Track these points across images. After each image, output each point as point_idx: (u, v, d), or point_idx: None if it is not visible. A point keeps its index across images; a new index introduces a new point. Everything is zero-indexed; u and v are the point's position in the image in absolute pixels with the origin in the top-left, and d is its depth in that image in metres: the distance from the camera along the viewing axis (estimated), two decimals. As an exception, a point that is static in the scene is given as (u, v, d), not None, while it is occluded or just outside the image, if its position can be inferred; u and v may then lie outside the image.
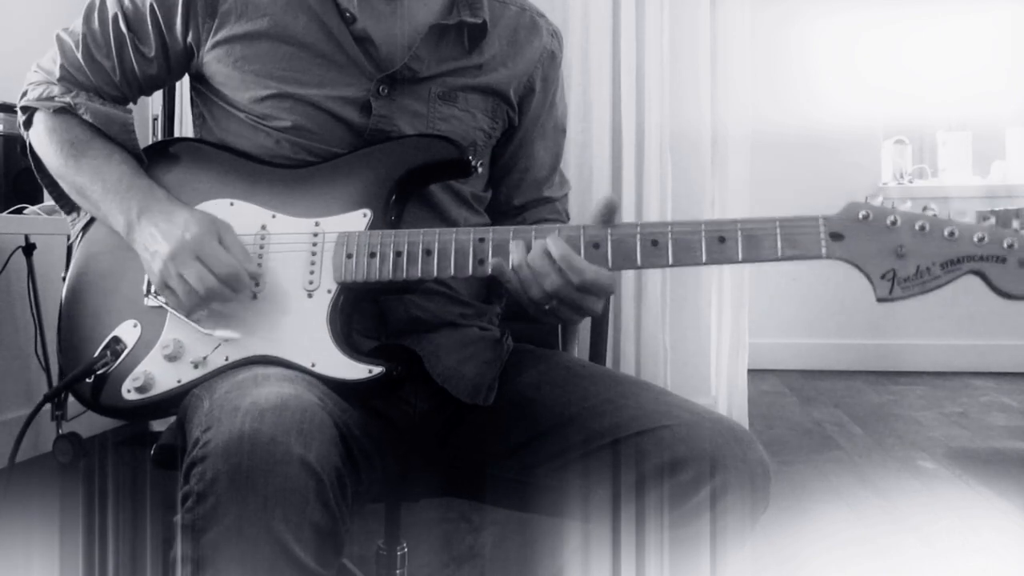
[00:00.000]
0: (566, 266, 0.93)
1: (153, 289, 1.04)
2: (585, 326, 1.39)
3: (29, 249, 2.56)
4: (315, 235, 1.02)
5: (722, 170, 3.05)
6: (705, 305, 3.06)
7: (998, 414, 3.49)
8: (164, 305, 1.03)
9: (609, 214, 0.96)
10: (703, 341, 3.07)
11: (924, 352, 4.50)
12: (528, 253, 0.95)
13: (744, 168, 3.07)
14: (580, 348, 1.41)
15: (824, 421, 3.35)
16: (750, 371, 3.20)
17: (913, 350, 4.50)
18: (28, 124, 1.15)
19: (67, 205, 1.16)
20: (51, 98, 1.11)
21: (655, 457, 0.93)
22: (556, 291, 0.94)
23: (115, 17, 1.12)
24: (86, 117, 1.10)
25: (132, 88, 1.16)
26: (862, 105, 4.49)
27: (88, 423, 2.76)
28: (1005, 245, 0.88)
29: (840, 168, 4.35)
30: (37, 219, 2.53)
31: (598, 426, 0.99)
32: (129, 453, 2.78)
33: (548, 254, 0.94)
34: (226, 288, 0.98)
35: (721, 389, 3.10)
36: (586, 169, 2.93)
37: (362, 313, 1.06)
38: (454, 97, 1.12)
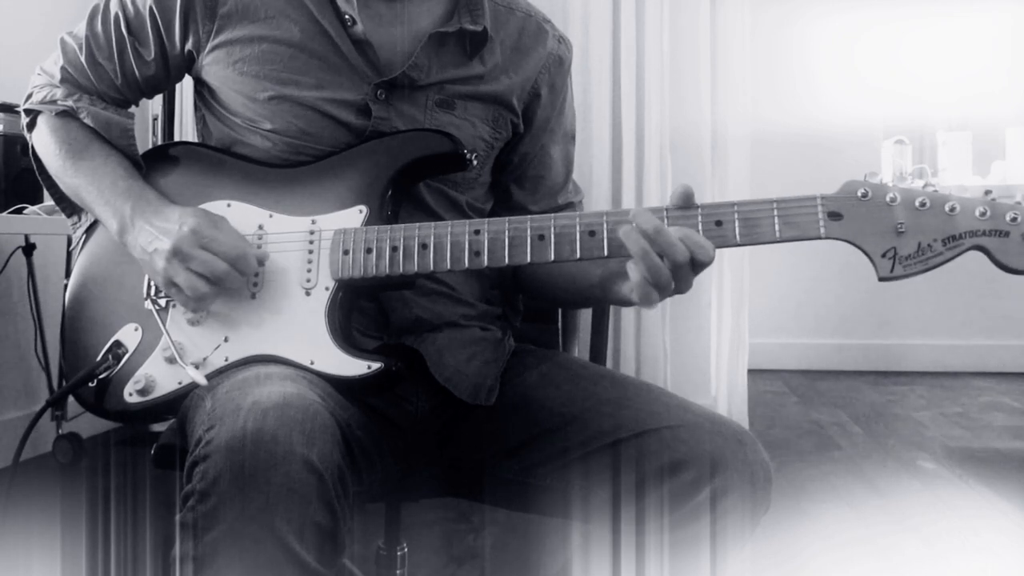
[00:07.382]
0: (692, 244, 0.90)
1: (152, 293, 1.04)
2: (585, 326, 1.39)
3: (29, 249, 2.56)
4: (311, 233, 1.02)
5: (722, 170, 3.05)
6: (705, 305, 3.06)
7: (998, 414, 3.49)
8: (157, 313, 1.03)
9: (685, 200, 0.93)
10: (703, 341, 3.07)
11: (924, 352, 4.50)
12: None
13: (744, 168, 3.07)
14: (580, 348, 1.41)
15: (824, 421, 3.35)
16: (750, 371, 3.20)
17: (913, 350, 4.50)
18: (32, 126, 1.16)
19: (68, 207, 1.17)
20: (54, 101, 1.12)
21: (656, 458, 0.94)
22: (678, 265, 0.90)
23: (116, 19, 1.12)
24: (87, 121, 1.10)
25: (133, 91, 1.16)
26: (862, 105, 4.48)
27: (88, 423, 2.76)
28: (1008, 219, 0.86)
29: (840, 168, 4.28)
30: (37, 219, 2.53)
31: (599, 426, 0.99)
32: (129, 453, 2.77)
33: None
34: (234, 272, 0.98)
35: (721, 389, 3.10)
36: (586, 169, 2.93)
37: (364, 313, 1.06)
38: (452, 104, 1.11)
